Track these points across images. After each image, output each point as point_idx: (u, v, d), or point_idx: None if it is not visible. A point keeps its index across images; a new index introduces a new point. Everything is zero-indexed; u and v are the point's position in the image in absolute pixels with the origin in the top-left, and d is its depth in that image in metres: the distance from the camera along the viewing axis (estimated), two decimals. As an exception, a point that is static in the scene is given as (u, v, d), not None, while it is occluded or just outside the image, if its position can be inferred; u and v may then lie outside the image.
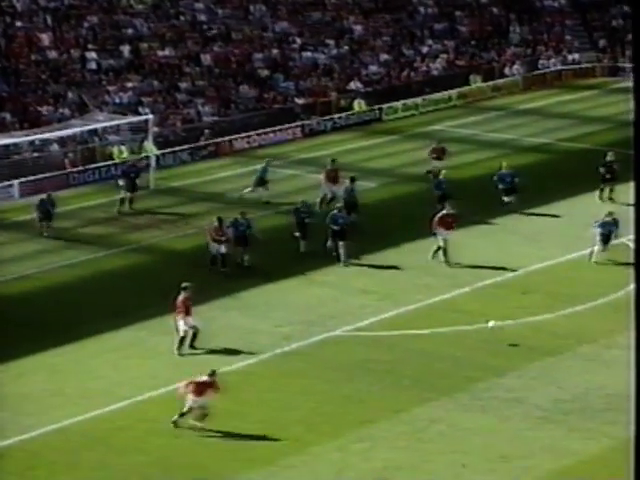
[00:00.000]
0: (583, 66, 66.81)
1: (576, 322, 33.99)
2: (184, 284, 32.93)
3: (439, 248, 38.23)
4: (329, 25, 66.40)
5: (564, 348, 32.27)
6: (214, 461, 26.58)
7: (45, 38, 58.76)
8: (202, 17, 64.09)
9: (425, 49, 65.91)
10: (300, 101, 58.59)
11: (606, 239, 38.31)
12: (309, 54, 63.00)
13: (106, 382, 30.39)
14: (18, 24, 59.00)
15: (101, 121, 50.53)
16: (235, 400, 29.37)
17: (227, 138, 53.41)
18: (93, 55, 58.55)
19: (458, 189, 43.13)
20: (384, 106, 58.67)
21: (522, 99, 62.04)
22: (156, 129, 51.43)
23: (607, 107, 60.22)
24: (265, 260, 38.63)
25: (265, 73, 60.51)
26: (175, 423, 27.84)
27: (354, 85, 60.74)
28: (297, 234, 39.88)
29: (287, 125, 55.32)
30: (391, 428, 27.99)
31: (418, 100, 59.95)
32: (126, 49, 59.64)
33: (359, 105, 58.63)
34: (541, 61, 66.60)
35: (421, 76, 63.06)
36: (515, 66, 65.31)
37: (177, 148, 52.02)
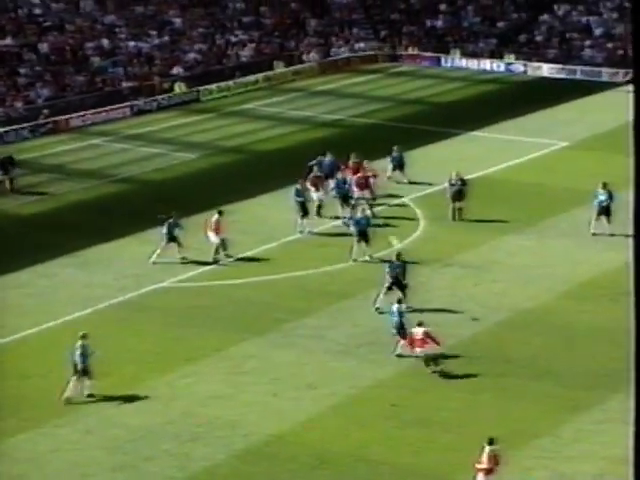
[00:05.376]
0: (367, 53, 67.36)
1: (365, 270, 34.32)
2: (219, 209, 34.69)
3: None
4: (152, 18, 65.40)
5: (356, 292, 32.61)
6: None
7: None
8: (38, 10, 62.25)
9: (235, 39, 65.53)
10: (128, 84, 57.49)
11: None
12: (134, 43, 61.88)
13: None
14: None
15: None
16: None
17: (64, 117, 52.03)
18: (-60, 44, 56.25)
19: (264, 160, 42.97)
20: (201, 88, 58.15)
21: (318, 82, 62.19)
22: (-1, 109, 50.04)
23: (388, 88, 60.96)
24: (103, 220, 37.84)
25: (96, 60, 59.17)
26: None
27: (176, 70, 59.94)
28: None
29: (117, 105, 54.25)
30: (212, 364, 27.91)
31: (230, 83, 59.63)
32: (-31, 39, 57.47)
33: (179, 87, 58.00)
34: (333, 49, 66.91)
35: (232, 62, 62.70)
36: (311, 54, 65.48)
37: (18, 126, 50.49)
